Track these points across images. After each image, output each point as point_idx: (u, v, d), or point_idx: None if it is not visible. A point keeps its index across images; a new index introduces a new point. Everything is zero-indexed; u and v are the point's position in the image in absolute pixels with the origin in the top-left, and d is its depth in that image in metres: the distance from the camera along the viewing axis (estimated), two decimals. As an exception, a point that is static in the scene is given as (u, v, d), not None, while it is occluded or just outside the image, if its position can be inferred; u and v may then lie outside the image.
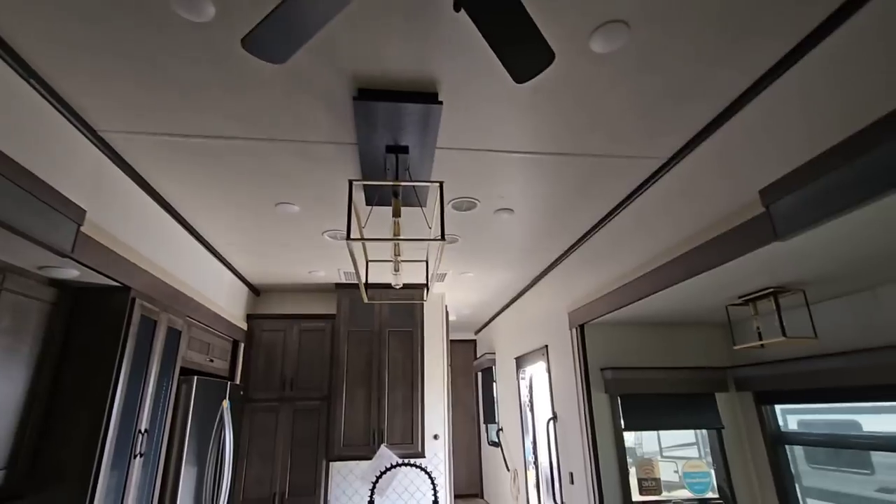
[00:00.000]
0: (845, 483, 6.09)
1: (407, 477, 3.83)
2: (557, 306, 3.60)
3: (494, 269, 3.73)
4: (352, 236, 1.50)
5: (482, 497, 6.32)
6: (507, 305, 5.07)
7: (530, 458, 4.61)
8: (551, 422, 3.78)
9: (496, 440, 5.69)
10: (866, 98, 1.25)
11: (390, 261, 2.07)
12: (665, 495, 3.30)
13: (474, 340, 7.04)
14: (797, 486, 3.02)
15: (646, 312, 2.89)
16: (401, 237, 1.70)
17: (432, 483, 1.85)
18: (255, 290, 4.13)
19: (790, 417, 3.12)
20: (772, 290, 2.21)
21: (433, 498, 1.81)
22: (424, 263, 2.73)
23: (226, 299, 3.43)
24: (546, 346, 3.91)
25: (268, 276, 3.80)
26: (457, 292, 4.48)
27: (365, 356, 3.81)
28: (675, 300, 2.49)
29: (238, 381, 3.70)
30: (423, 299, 2.77)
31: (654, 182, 2.22)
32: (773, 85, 1.55)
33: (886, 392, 2.27)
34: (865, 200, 1.20)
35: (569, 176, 2.20)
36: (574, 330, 3.27)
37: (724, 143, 1.78)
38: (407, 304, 3.92)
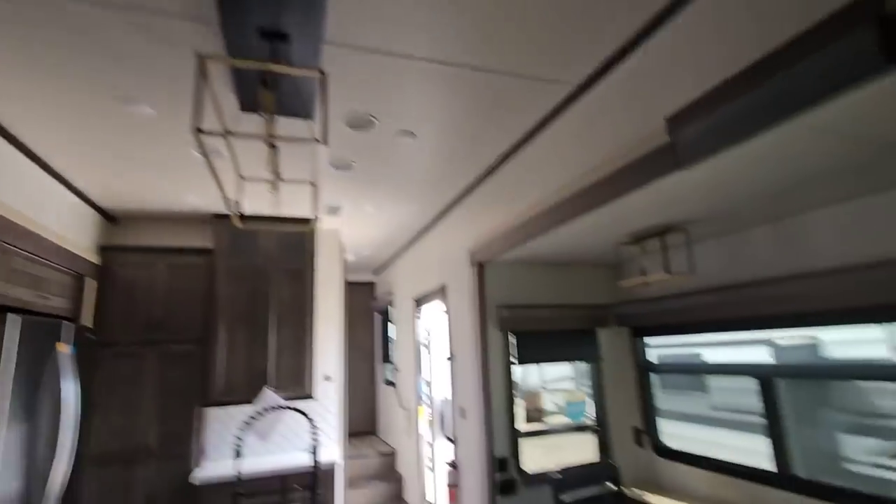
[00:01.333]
0: (687, 404, 7.17)
1: (295, 420, 3.65)
2: (458, 245, 3.53)
3: (395, 203, 3.51)
4: (210, 131, 1.17)
5: (376, 435, 6.41)
6: (409, 245, 4.92)
7: (425, 396, 4.69)
8: (446, 360, 3.80)
9: (391, 380, 5.71)
10: (777, 21, 1.20)
11: (266, 180, 1.75)
12: (546, 423, 3.54)
13: (373, 282, 6.87)
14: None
15: (543, 251, 2.91)
16: (273, 135, 1.40)
17: (311, 424, 1.69)
18: (109, 218, 3.48)
19: (649, 352, 3.46)
20: (660, 229, 2.30)
21: (313, 439, 1.65)
22: (310, 186, 2.39)
23: (66, 226, 2.82)
24: (445, 285, 3.86)
25: (126, 200, 3.19)
26: (354, 229, 4.20)
27: (248, 295, 3.44)
28: (572, 237, 2.50)
29: (88, 323, 3.14)
30: (311, 228, 2.48)
31: (563, 111, 2.12)
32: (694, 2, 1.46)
33: (750, 322, 2.55)
34: (765, 127, 1.18)
35: (477, 98, 2.01)
36: (474, 268, 3.23)
37: (636, 68, 1.70)
38: (296, 237, 3.57)
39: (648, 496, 2.92)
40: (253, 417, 1.62)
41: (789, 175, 1.71)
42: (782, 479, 2.45)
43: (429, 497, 4.39)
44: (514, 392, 3.13)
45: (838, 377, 4.98)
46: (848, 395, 5.19)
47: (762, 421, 2.57)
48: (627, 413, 3.42)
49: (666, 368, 3.44)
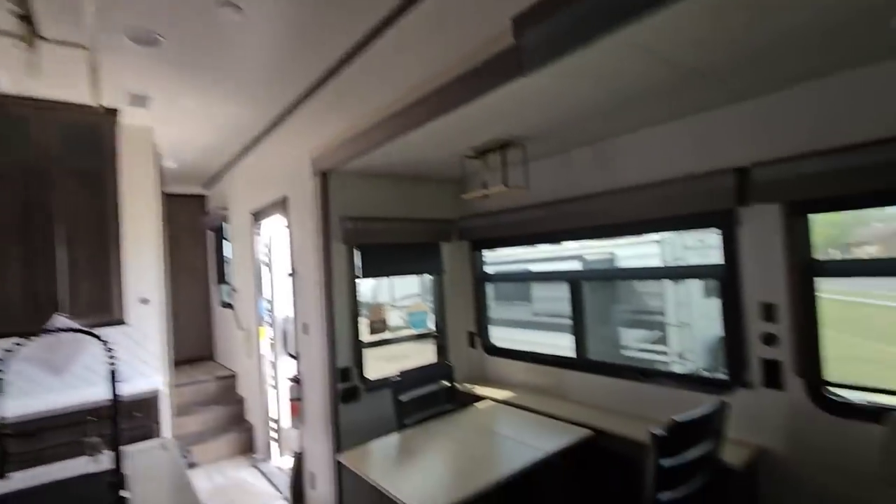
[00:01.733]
0: (515, 312, 8.18)
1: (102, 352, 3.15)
2: (300, 153, 3.23)
3: (223, 100, 3.00)
4: None
5: (213, 360, 6.00)
6: (244, 153, 4.36)
7: (266, 315, 4.46)
8: (288, 276, 3.61)
9: (229, 302, 5.29)
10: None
11: (14, 34, 1.28)
12: (390, 334, 3.68)
13: (204, 195, 6.05)
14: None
15: (390, 162, 2.83)
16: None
17: (106, 349, 1.43)
18: None
19: (486, 266, 3.77)
20: (501, 143, 2.38)
21: (110, 365, 1.41)
22: (84, 52, 1.80)
23: None
24: (286, 197, 3.56)
25: None
26: (172, 128, 3.53)
27: (16, 202, 2.70)
28: (418, 147, 2.45)
29: None
30: (106, 115, 1.95)
31: (412, 6, 1.96)
32: None
33: (571, 234, 2.90)
34: (599, 34, 1.22)
35: (316, -30, 1.72)
36: (317, 178, 3.00)
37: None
38: (89, 132, 2.86)
39: (477, 388, 3.31)
40: (19, 344, 1.29)
41: (610, 95, 1.88)
42: (579, 362, 2.97)
43: (272, 414, 4.35)
44: (357, 305, 3.13)
45: (624, 278, 6.19)
46: (628, 297, 6.51)
47: (569, 322, 3.05)
48: (464, 320, 3.73)
49: (499, 278, 3.80)
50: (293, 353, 3.63)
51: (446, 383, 3.06)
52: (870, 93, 1.73)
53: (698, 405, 1.78)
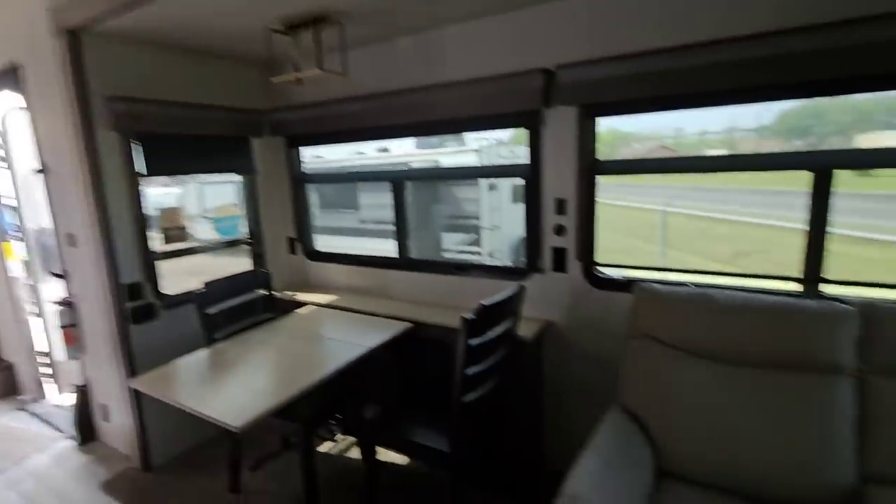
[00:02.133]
0: (340, 220, 8.07)
1: None
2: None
3: None
4: None
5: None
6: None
7: (12, 227, 3.45)
8: (38, 175, 2.77)
9: (-54, 211, 3.92)
10: None
11: None
12: (193, 243, 3.21)
13: None
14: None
15: (172, 24, 2.24)
16: None
17: None
18: None
19: (305, 165, 3.47)
20: (313, 16, 2.06)
21: None
22: None
23: None
24: (17, 65, 2.61)
25: None
26: None
27: None
28: (209, 6, 1.96)
29: None
30: None
31: None
32: None
33: (394, 130, 2.78)
34: None
35: None
36: (62, 39, 2.23)
37: None
38: None
39: (299, 295, 3.17)
40: None
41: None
42: (401, 262, 3.05)
43: (39, 347, 3.55)
44: (143, 209, 2.60)
45: (444, 178, 6.58)
46: (448, 202, 6.95)
47: (394, 228, 3.04)
48: (283, 225, 3.45)
49: (319, 179, 3.55)
50: (58, 271, 2.91)
51: (263, 292, 2.84)
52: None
53: (502, 291, 1.97)
